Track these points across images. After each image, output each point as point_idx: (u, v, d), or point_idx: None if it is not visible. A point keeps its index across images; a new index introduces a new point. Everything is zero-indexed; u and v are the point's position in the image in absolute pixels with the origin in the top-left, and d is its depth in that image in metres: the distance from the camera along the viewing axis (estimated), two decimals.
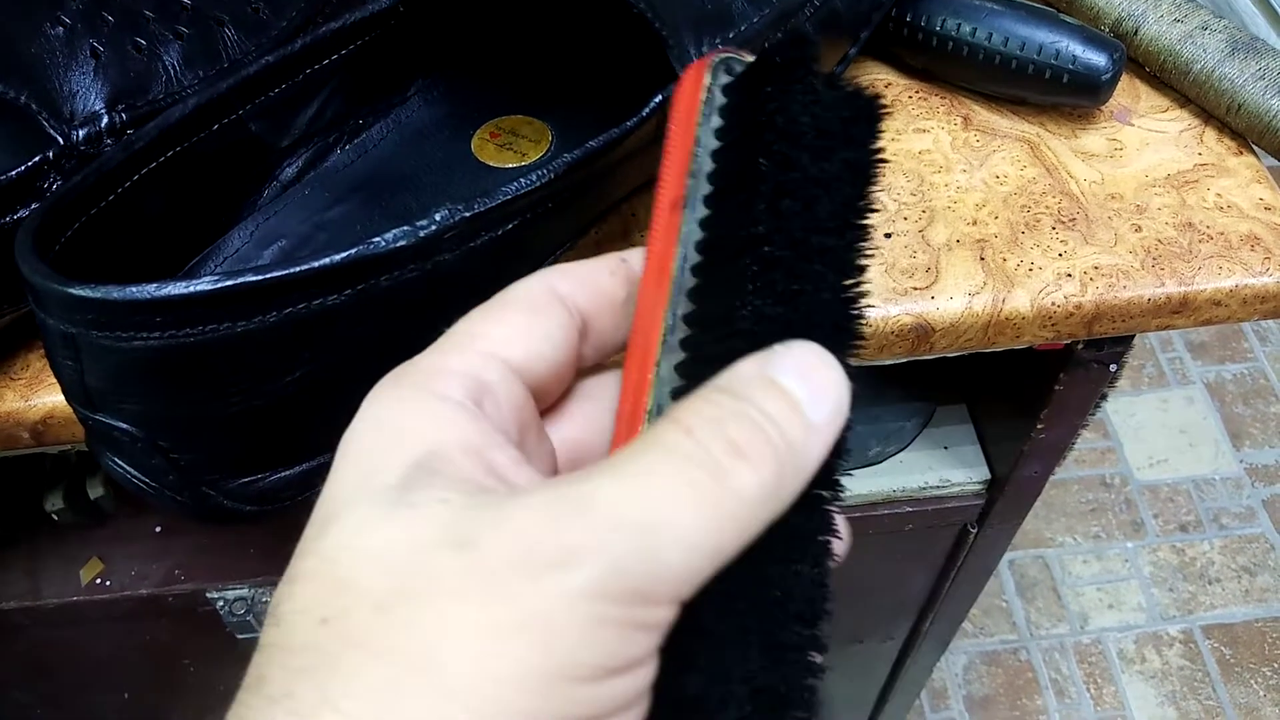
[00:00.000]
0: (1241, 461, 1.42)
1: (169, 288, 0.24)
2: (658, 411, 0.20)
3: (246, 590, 0.57)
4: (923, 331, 0.37)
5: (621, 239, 0.38)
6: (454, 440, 0.18)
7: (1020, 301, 0.37)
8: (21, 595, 0.56)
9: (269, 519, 0.30)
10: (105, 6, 0.33)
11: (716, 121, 0.21)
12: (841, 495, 0.20)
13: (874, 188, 0.20)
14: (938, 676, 1.25)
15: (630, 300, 0.22)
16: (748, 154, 0.20)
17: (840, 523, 0.20)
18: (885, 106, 0.21)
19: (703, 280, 0.21)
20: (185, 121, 0.30)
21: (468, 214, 0.27)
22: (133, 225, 0.30)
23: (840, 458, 0.19)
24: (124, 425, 0.27)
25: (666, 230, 0.21)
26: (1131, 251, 0.38)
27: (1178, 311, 0.38)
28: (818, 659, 0.19)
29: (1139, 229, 0.39)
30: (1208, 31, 0.41)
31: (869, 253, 0.20)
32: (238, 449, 0.29)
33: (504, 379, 0.20)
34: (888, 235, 0.38)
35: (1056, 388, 0.46)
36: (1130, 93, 0.43)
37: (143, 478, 0.29)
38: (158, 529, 0.58)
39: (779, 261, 0.19)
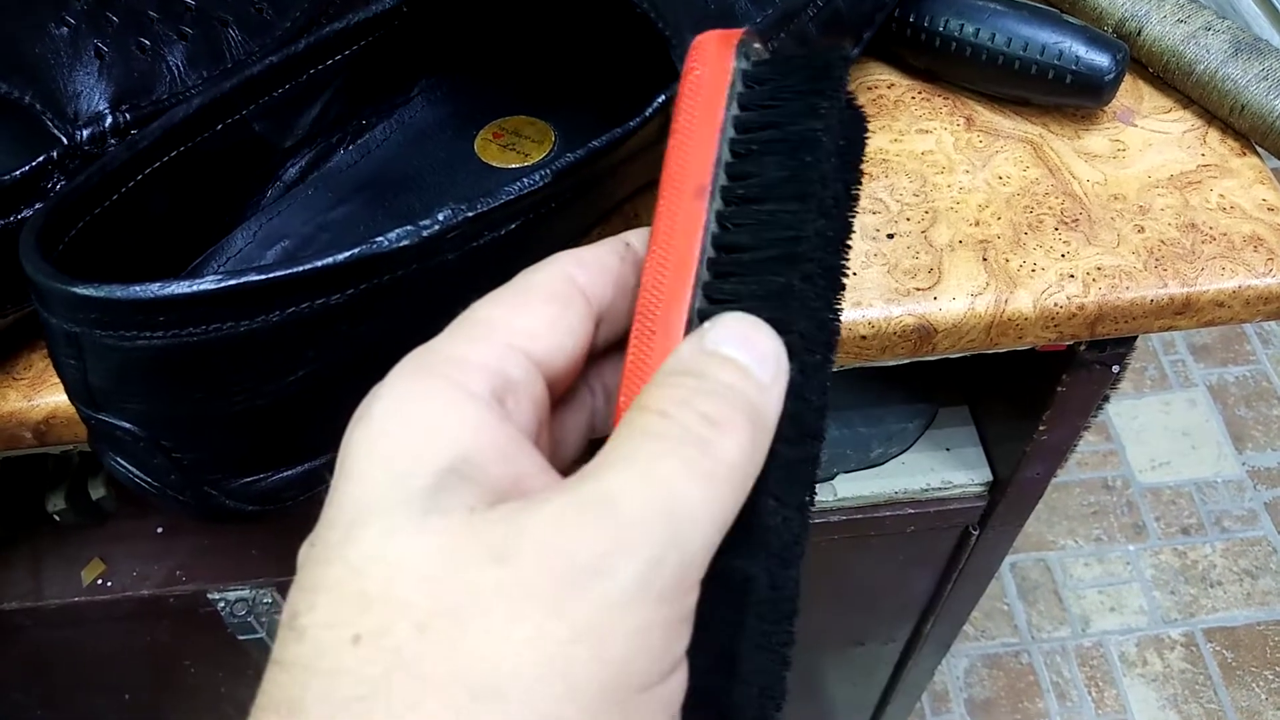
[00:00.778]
0: (1244, 464, 1.41)
1: (172, 287, 0.24)
2: None
3: (248, 591, 0.57)
4: (925, 332, 0.37)
5: None
6: (486, 445, 0.18)
7: (1023, 302, 0.37)
8: (23, 596, 0.56)
9: (271, 519, 0.30)
10: (109, 7, 0.33)
11: (737, 111, 0.21)
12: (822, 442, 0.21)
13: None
14: (939, 679, 1.25)
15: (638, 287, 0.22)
16: (777, 158, 0.20)
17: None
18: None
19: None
20: (189, 121, 0.30)
21: (470, 214, 0.27)
22: (136, 225, 0.30)
23: (792, 406, 0.20)
24: (127, 425, 0.27)
25: (689, 218, 0.20)
26: (1134, 252, 0.38)
27: (1180, 312, 0.38)
28: (790, 652, 0.20)
29: (1142, 230, 0.39)
30: (1211, 32, 0.41)
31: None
32: (240, 448, 0.29)
33: (527, 375, 0.20)
34: (890, 236, 0.38)
35: (1059, 389, 0.46)
36: (1133, 93, 0.43)
37: (145, 477, 0.29)
38: (159, 530, 0.58)
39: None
